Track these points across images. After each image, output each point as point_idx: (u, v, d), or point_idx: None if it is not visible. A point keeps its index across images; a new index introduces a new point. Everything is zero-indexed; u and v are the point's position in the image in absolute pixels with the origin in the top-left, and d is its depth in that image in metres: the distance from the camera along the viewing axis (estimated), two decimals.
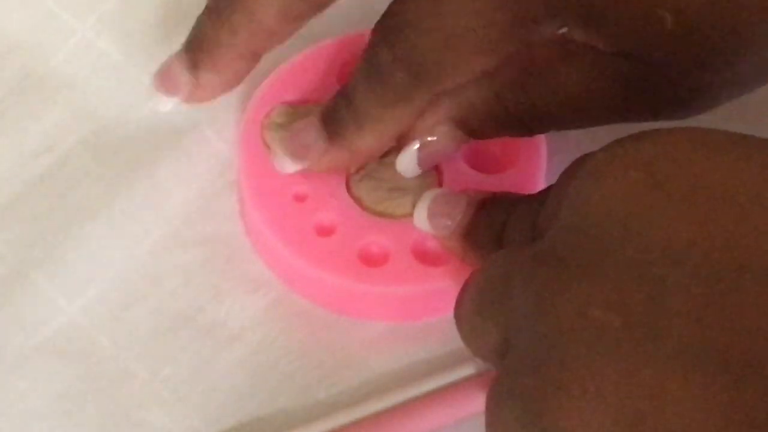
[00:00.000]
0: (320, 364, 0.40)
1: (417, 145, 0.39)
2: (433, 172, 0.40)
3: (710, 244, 0.26)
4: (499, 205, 0.36)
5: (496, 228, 0.35)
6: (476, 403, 0.38)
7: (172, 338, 0.40)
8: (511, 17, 0.35)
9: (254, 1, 0.38)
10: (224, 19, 0.39)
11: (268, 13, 0.38)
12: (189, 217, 0.42)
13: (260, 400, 0.39)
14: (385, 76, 0.37)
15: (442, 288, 0.39)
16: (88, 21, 0.45)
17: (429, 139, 0.38)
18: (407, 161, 0.39)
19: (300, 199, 0.40)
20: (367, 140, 0.38)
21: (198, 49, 0.40)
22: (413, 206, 0.39)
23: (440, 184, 0.40)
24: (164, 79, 0.40)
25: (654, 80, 0.36)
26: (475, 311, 0.31)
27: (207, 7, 0.40)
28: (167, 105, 0.40)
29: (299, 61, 0.42)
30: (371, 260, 0.39)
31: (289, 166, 0.39)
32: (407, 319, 0.40)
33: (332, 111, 0.39)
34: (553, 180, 0.33)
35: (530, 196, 0.35)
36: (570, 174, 0.31)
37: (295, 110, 0.41)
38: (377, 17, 0.37)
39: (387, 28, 0.37)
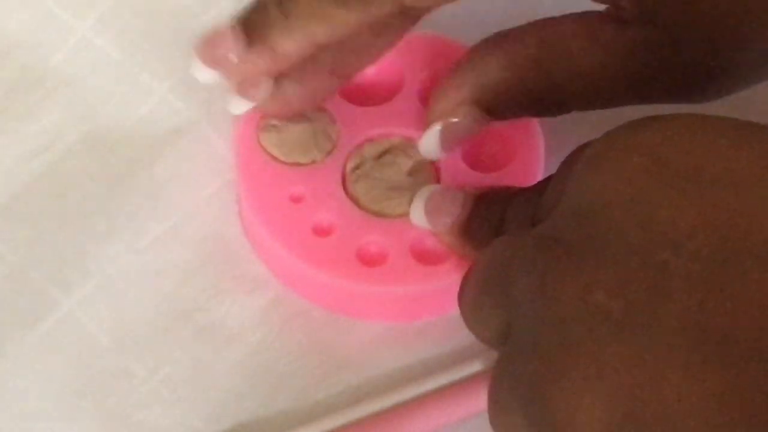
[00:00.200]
0: (319, 364, 0.40)
1: (439, 127, 0.39)
2: (430, 171, 0.40)
3: (712, 229, 0.26)
4: (496, 198, 0.36)
5: (493, 222, 0.35)
6: (475, 403, 0.38)
7: (171, 338, 0.40)
8: None
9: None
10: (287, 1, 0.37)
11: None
12: (188, 216, 0.42)
13: (259, 400, 0.39)
14: None
15: (441, 287, 0.39)
16: (88, 20, 0.45)
17: (451, 120, 0.38)
18: (430, 143, 0.39)
19: (297, 200, 0.40)
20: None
21: (258, 24, 0.37)
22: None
23: (438, 183, 0.40)
24: (211, 49, 0.38)
25: (673, 60, 0.36)
26: (477, 296, 0.31)
27: None
28: (206, 76, 0.38)
29: None
30: (370, 260, 0.39)
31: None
32: (406, 318, 0.40)
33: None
34: None
35: (528, 188, 0.35)
36: (570, 163, 0.31)
37: None
38: None
39: None
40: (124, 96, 0.44)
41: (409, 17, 0.38)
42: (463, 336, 0.39)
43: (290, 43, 0.37)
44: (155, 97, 0.44)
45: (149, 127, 0.43)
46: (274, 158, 0.40)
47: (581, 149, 0.31)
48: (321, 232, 0.39)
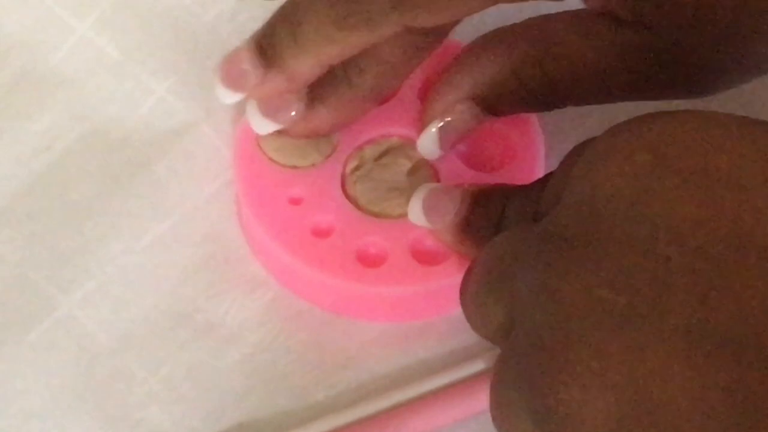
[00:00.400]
0: (319, 364, 0.40)
1: (437, 126, 0.39)
2: (429, 171, 0.40)
3: (715, 224, 0.26)
4: (495, 195, 0.36)
5: (493, 219, 0.35)
6: (476, 403, 0.38)
7: (170, 338, 0.40)
8: None
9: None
10: (295, 25, 0.37)
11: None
12: (187, 216, 0.42)
13: (258, 400, 0.39)
14: None
15: (441, 287, 0.39)
16: (88, 20, 0.45)
17: (448, 118, 0.38)
18: (428, 142, 0.39)
19: (296, 202, 0.40)
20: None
21: (270, 48, 0.38)
22: None
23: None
24: (230, 71, 0.38)
25: (669, 56, 0.36)
26: (480, 291, 0.31)
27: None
28: (230, 97, 0.39)
29: None
30: (369, 261, 0.39)
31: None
32: (406, 319, 0.40)
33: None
34: None
35: (528, 185, 0.35)
36: (572, 159, 0.31)
37: None
38: None
39: None
40: (124, 96, 0.44)
41: (435, 35, 0.38)
42: (463, 336, 0.39)
43: (302, 65, 0.37)
44: (155, 97, 0.44)
45: (149, 127, 0.43)
46: (274, 162, 0.40)
47: (584, 145, 0.31)
48: (320, 233, 0.39)
